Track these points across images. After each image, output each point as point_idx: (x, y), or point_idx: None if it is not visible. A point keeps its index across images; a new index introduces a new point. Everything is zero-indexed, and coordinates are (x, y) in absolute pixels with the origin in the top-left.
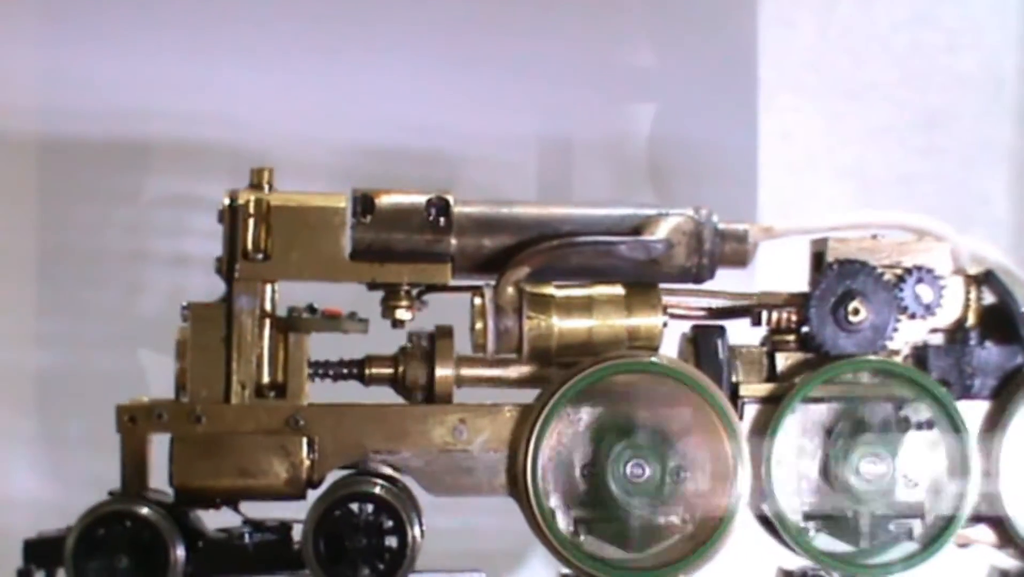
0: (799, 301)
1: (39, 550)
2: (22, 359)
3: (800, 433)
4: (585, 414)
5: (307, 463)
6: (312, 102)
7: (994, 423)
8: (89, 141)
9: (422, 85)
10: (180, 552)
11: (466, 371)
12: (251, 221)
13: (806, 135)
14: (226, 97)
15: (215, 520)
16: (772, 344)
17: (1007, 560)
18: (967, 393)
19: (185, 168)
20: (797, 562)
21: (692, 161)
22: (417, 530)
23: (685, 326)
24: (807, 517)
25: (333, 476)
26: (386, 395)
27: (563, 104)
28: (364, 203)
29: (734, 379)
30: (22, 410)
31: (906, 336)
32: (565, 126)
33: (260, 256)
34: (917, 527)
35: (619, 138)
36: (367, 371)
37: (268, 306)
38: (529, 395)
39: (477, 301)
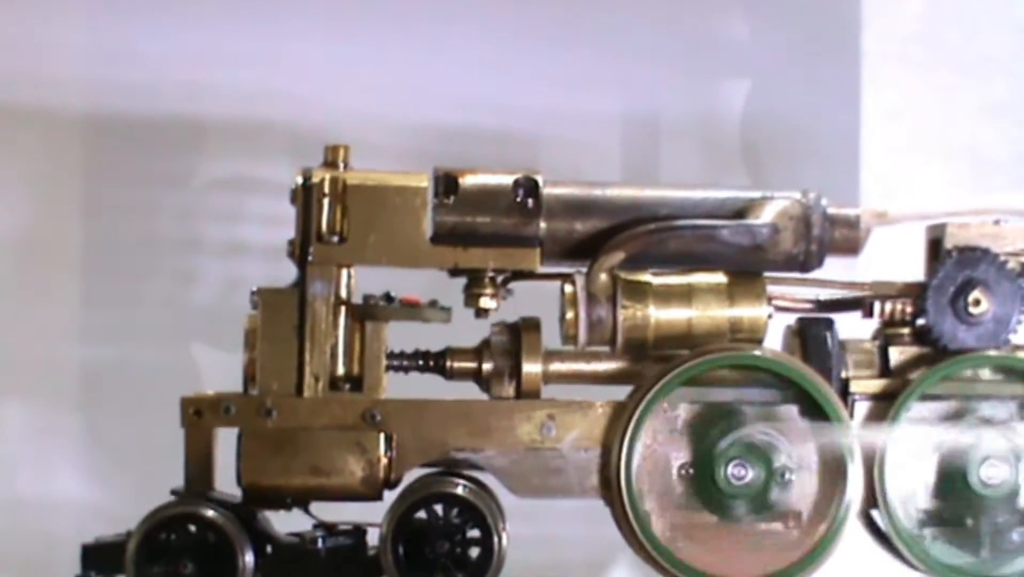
0: (915, 292)
1: (98, 555)
2: (66, 353)
3: (916, 433)
4: (683, 411)
5: (384, 461)
6: (380, 78)
7: None
8: (138, 119)
9: (498, 60)
10: (249, 557)
11: (555, 366)
12: (326, 201)
13: (913, 113)
14: (286, 72)
15: (283, 524)
16: (885, 337)
17: None
18: None
19: (242, 149)
20: (911, 575)
21: (789, 142)
22: (504, 534)
23: (789, 318)
24: (922, 525)
25: (412, 476)
26: (465, 390)
27: (649, 80)
28: (447, 183)
29: (844, 375)
30: (66, 407)
31: None
32: (652, 104)
33: (335, 239)
34: None
35: (710, 117)
36: (448, 364)
37: (344, 293)
38: (622, 391)
39: (568, 289)
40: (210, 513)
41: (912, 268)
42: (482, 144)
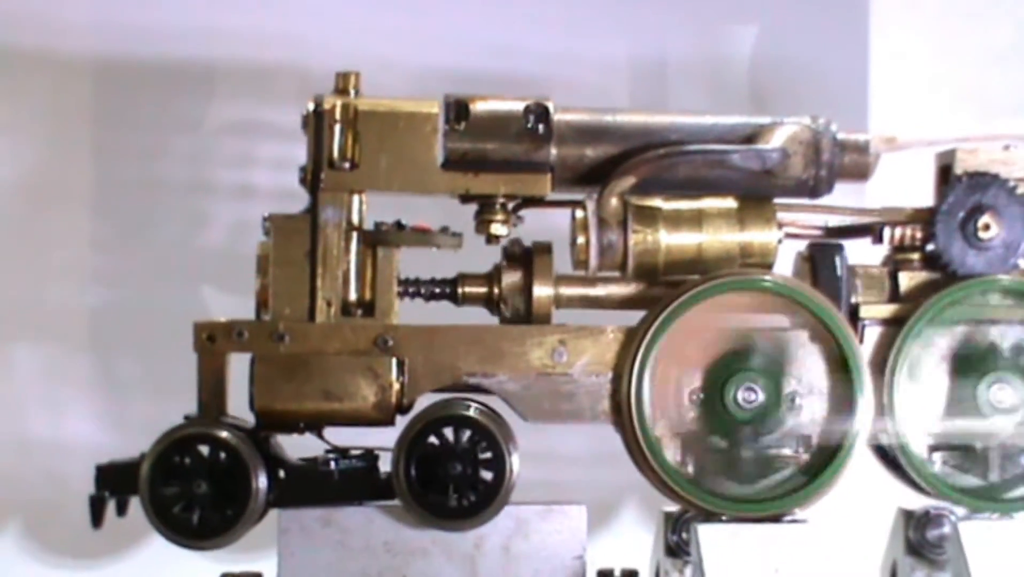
0: (924, 217)
1: (112, 476)
2: (76, 295)
3: (925, 358)
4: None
5: (396, 386)
6: (388, 21)
7: None
8: (148, 63)
9: (506, 3)
10: (262, 480)
11: (566, 290)
12: (337, 128)
13: (922, 57)
14: (296, 16)
15: (296, 449)
16: (895, 263)
17: None
18: None
19: (251, 92)
20: (919, 501)
21: (796, 86)
22: (515, 457)
23: (799, 245)
24: (932, 449)
25: (423, 401)
26: (477, 316)
27: (657, 24)
28: (458, 109)
29: (854, 300)
30: (76, 349)
31: None
32: (659, 48)
33: (347, 165)
34: None
35: (717, 61)
36: (460, 290)
37: (355, 219)
38: (633, 317)
39: (579, 214)
40: (224, 434)
41: (922, 194)
42: (489, 87)
